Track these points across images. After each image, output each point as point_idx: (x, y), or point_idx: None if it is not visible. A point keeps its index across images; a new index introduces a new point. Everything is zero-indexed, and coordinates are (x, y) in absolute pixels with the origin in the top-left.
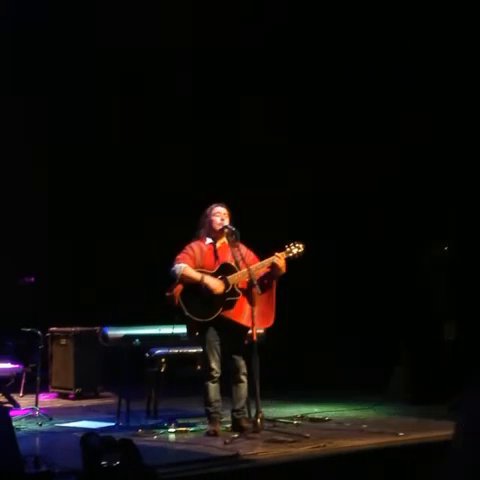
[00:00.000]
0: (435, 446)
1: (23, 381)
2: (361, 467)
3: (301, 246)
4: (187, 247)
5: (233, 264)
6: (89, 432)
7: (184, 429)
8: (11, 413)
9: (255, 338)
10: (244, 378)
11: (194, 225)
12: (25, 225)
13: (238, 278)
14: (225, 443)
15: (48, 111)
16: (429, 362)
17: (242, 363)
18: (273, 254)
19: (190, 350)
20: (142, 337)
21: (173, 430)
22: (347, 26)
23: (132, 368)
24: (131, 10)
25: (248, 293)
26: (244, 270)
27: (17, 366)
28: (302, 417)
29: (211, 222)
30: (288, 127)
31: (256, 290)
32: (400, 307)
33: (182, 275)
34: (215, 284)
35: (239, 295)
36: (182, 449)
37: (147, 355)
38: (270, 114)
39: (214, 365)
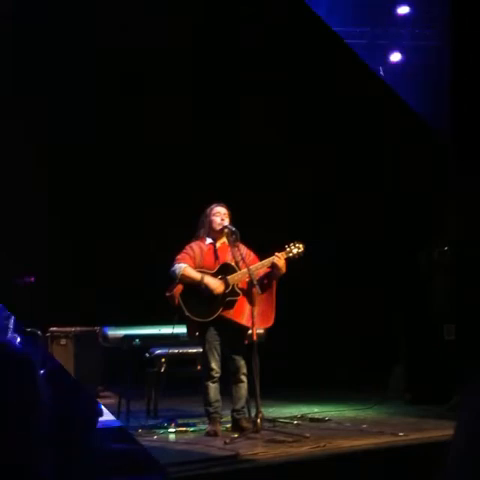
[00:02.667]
0: (435, 446)
1: None
2: (361, 467)
3: (301, 246)
4: (187, 247)
5: (233, 264)
6: None
7: (184, 429)
8: None
9: (255, 338)
10: (244, 378)
11: (194, 225)
12: (25, 225)
13: (238, 278)
14: (225, 443)
15: (48, 111)
16: (429, 362)
17: (242, 363)
18: (273, 254)
19: (190, 350)
20: (142, 337)
21: (173, 430)
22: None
23: (132, 368)
24: (131, 10)
25: (248, 293)
26: (244, 270)
27: None
28: (302, 417)
29: (211, 222)
30: (288, 127)
31: (256, 290)
32: (400, 307)
33: (182, 275)
34: (215, 284)
35: (239, 295)
36: (182, 449)
37: (147, 355)
38: (270, 114)
39: (214, 365)
